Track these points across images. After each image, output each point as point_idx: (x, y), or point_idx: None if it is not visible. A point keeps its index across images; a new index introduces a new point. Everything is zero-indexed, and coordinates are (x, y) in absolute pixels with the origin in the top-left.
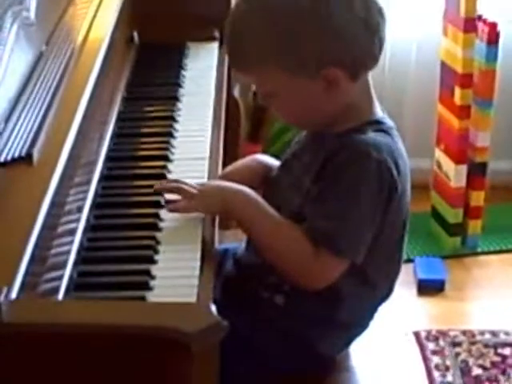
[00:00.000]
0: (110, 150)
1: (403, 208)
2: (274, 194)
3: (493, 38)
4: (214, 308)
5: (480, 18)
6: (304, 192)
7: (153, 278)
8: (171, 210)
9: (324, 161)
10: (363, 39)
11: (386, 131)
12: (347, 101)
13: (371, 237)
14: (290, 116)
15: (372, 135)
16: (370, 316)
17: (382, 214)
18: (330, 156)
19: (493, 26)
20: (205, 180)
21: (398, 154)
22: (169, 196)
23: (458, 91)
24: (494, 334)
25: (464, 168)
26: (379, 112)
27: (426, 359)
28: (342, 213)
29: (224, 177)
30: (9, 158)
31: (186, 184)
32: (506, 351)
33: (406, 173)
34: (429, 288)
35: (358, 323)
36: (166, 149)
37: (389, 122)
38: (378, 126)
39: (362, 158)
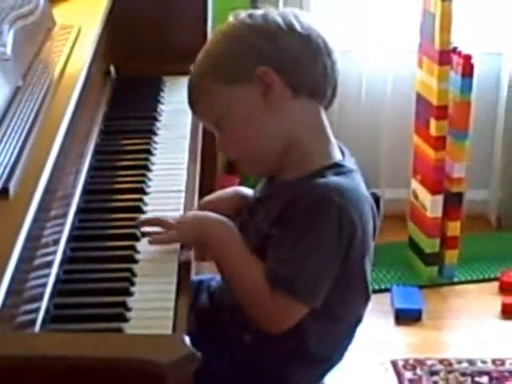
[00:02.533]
0: (86, 183)
1: (365, 247)
2: (243, 236)
3: (467, 71)
4: (187, 339)
5: (455, 50)
6: (263, 236)
7: (129, 309)
8: (151, 243)
9: (284, 206)
10: (302, 53)
11: (346, 174)
12: (291, 125)
13: (331, 280)
14: (239, 147)
15: (333, 178)
16: (344, 348)
17: (343, 257)
18: (291, 201)
19: (467, 59)
20: (181, 212)
21: (358, 197)
22: (147, 228)
23: (433, 123)
24: (471, 362)
25: (440, 198)
26: (338, 155)
27: None
28: (301, 258)
29: (203, 205)
30: None
31: (166, 217)
32: (484, 380)
33: (367, 214)
34: (406, 317)
35: (330, 356)
36: (143, 182)
37: (348, 165)
38: (337, 169)
39: (323, 202)
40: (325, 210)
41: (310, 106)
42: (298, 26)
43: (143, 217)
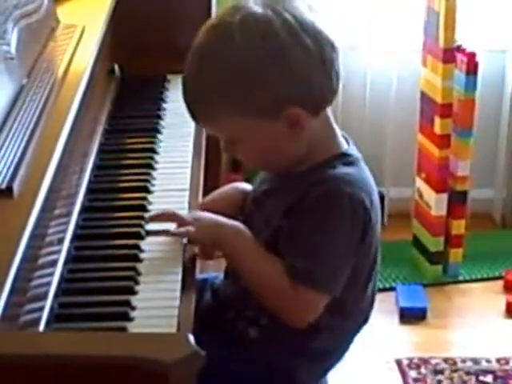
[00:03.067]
0: (90, 181)
1: (376, 237)
2: (249, 229)
3: (472, 68)
4: (191, 338)
5: (459, 48)
6: (274, 229)
7: (133, 308)
8: (170, 235)
9: (295, 198)
10: (321, 76)
11: (354, 164)
12: (310, 138)
13: (349, 268)
14: (255, 161)
15: (342, 169)
16: (347, 346)
17: (357, 247)
18: (302, 193)
19: (471, 56)
20: (185, 211)
21: (367, 184)
22: (158, 225)
23: (437, 121)
24: (475, 361)
25: (445, 197)
26: (344, 144)
27: None
28: (317, 250)
29: (204, 205)
30: None
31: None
32: (488, 379)
33: (377, 203)
34: (411, 316)
35: (333, 353)
36: (147, 180)
37: (355, 154)
38: (345, 158)
39: (334, 193)
40: (336, 201)
41: (325, 111)
42: (310, 44)
43: (151, 213)
